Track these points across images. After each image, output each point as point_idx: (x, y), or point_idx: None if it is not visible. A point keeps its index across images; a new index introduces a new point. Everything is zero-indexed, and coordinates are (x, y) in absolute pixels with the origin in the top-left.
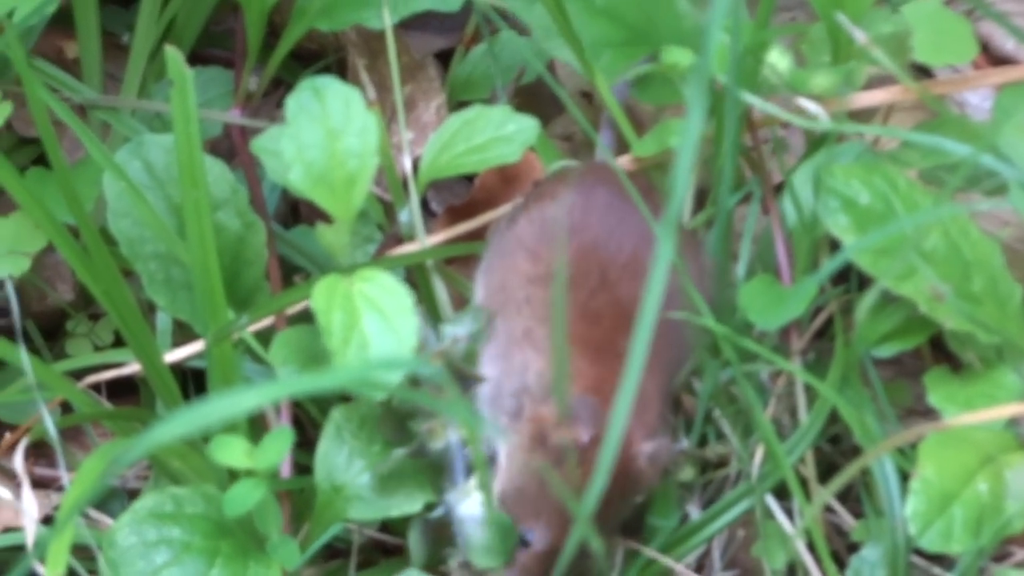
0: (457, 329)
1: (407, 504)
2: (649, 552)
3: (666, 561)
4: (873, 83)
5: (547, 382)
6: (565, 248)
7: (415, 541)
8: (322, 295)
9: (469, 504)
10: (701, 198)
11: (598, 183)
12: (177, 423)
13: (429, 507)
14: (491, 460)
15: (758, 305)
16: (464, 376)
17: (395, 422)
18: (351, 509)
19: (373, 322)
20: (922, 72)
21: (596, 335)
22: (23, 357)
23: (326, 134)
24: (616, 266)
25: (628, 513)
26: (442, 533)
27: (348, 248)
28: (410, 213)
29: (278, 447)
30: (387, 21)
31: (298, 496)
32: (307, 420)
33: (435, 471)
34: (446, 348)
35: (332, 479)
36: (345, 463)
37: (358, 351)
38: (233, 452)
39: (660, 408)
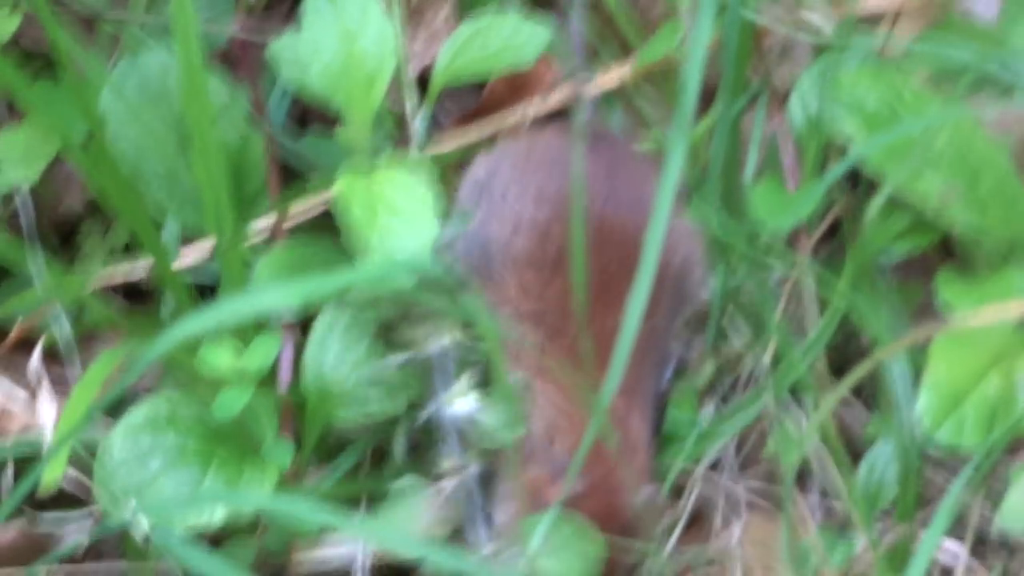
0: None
1: (392, 405)
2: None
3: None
4: None
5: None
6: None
7: (399, 444)
8: (346, 186)
9: (463, 403)
10: (706, 99)
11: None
12: (190, 325)
13: (413, 409)
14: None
15: (767, 208)
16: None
17: (384, 329)
18: (340, 410)
19: (393, 218)
20: None
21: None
22: (34, 264)
23: (342, 36)
24: (593, 293)
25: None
26: (429, 437)
27: (367, 148)
28: (421, 120)
29: (266, 351)
30: None
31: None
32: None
33: (421, 376)
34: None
35: (321, 382)
36: (333, 365)
37: (380, 244)
38: (222, 357)
39: (648, 449)
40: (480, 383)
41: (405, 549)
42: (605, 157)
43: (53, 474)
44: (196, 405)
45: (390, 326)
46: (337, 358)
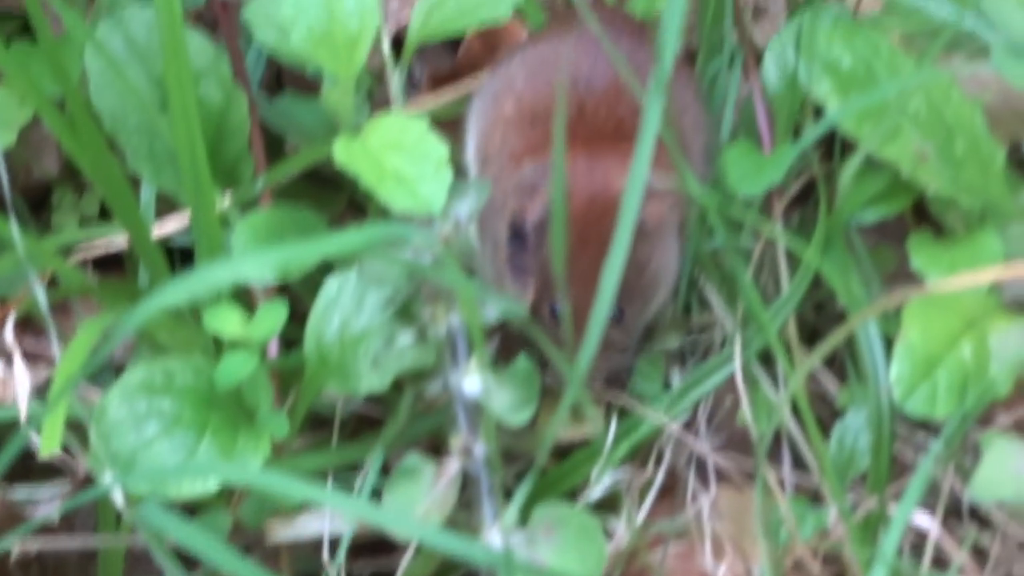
0: (459, 207)
1: (381, 382)
2: (646, 412)
3: (659, 417)
4: None
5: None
6: (556, 80)
7: (404, 409)
8: (342, 151)
9: (472, 382)
10: (687, 60)
11: (594, 22)
12: (172, 294)
13: (420, 376)
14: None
15: (739, 171)
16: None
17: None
18: (340, 382)
19: (399, 156)
20: None
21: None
22: (14, 230)
23: None
24: (593, 97)
25: (641, 279)
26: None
27: (352, 109)
28: (399, 76)
29: (272, 319)
30: None
31: (285, 368)
32: (291, 291)
33: (433, 351)
34: (448, 232)
35: (321, 351)
36: (336, 336)
37: (396, 184)
38: (228, 323)
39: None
40: (493, 361)
41: (399, 529)
42: (605, 12)
43: (51, 437)
44: (191, 372)
45: (405, 301)
46: (340, 329)
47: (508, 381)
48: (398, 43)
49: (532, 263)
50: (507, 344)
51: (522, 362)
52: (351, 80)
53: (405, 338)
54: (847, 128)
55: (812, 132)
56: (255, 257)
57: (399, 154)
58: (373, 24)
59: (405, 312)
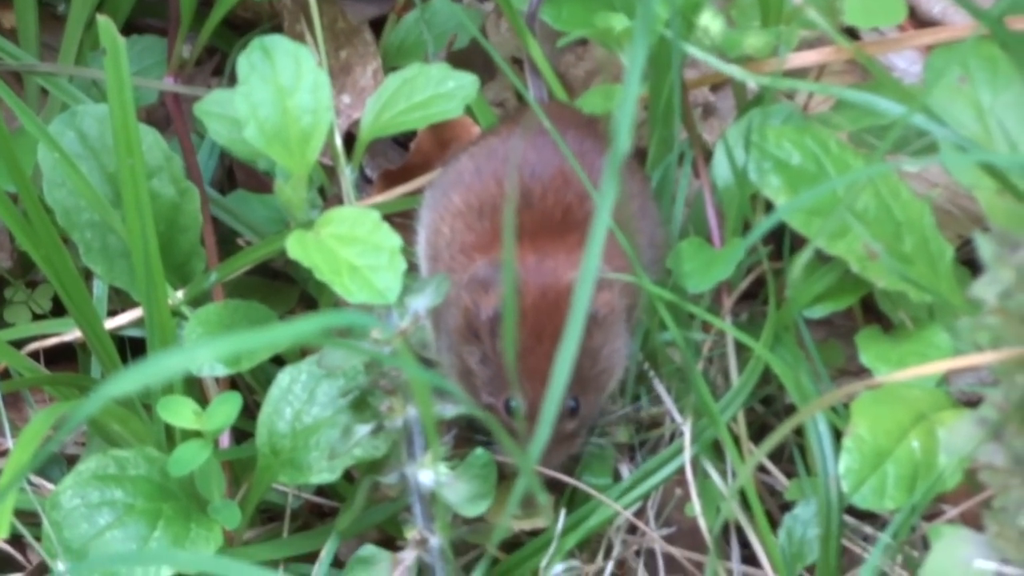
0: (417, 303)
1: (332, 475)
2: (601, 498)
3: (612, 505)
4: (801, 49)
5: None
6: (507, 173)
7: (360, 497)
8: (295, 245)
9: (428, 474)
10: (638, 157)
11: (545, 117)
12: (124, 383)
13: (373, 466)
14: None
15: (689, 268)
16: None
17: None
18: (292, 474)
19: (353, 249)
20: (850, 37)
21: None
22: None
23: (277, 92)
24: (540, 184)
25: (595, 368)
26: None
27: (305, 204)
28: (351, 172)
29: (226, 410)
30: None
31: (237, 459)
32: (243, 385)
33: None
34: (407, 327)
35: (273, 443)
36: (288, 427)
37: (351, 276)
38: (182, 413)
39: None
40: (451, 451)
41: None
42: (555, 108)
43: (1, 526)
44: (143, 462)
45: (362, 393)
46: (292, 420)
47: (465, 473)
48: (350, 139)
49: (487, 357)
50: (465, 433)
51: (479, 454)
52: (304, 176)
53: (362, 430)
54: (796, 224)
55: (760, 227)
56: (207, 346)
57: (352, 246)
58: (326, 120)
59: (361, 404)
